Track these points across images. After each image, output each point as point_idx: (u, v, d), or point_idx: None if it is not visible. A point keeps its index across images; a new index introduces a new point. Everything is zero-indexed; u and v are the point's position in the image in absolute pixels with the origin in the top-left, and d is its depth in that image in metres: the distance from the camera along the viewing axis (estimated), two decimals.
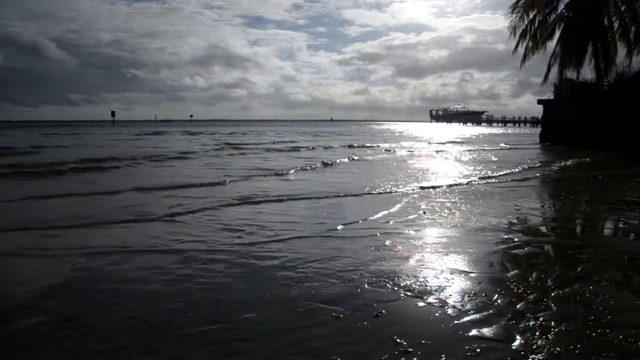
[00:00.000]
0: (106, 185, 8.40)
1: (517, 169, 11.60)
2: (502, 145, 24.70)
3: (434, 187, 8.25)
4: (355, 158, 15.11)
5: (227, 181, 8.88)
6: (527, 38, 25.68)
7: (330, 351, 2.35)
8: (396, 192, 7.70)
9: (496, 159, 15.40)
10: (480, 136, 40.81)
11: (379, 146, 22.64)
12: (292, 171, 10.93)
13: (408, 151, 19.47)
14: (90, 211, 5.89)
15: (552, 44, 25.36)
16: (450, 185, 8.47)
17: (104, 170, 11.08)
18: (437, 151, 19.54)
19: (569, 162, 13.62)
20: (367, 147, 22.23)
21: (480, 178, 9.69)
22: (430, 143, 26.95)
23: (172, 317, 2.76)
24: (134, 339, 2.49)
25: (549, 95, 26.89)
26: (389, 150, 19.82)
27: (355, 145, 23.21)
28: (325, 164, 12.68)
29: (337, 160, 13.81)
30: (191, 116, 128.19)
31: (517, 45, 25.92)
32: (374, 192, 7.74)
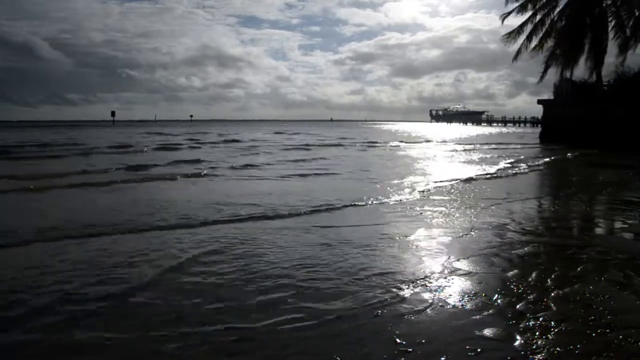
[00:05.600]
0: None
1: None
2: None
3: None
4: None
5: None
6: (524, 37, 25.75)
7: (331, 351, 2.35)
8: None
9: None
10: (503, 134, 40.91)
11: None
12: None
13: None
14: None
15: (549, 43, 25.41)
16: None
17: None
18: None
19: None
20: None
21: None
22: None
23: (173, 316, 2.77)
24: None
25: (548, 95, 26.98)
26: None
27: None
28: None
29: None
30: (191, 116, 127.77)
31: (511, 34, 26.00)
32: None
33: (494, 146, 23.31)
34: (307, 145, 22.50)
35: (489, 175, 10.33)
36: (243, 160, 13.99)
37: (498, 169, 11.69)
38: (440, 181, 9.05)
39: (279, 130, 49.69)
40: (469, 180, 9.44)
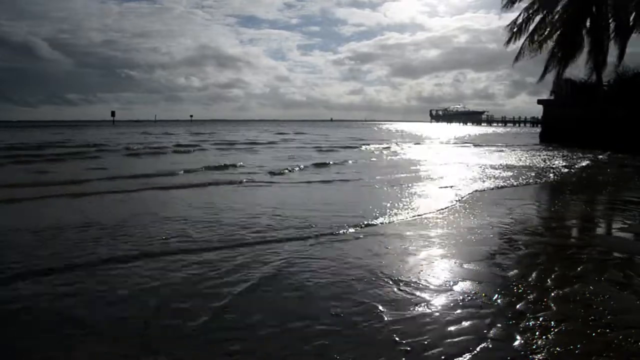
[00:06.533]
0: None
1: None
2: None
3: None
4: None
5: None
6: (525, 36, 25.76)
7: (331, 351, 2.35)
8: None
9: None
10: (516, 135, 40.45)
11: None
12: None
13: None
14: None
15: (549, 43, 25.41)
16: None
17: None
18: None
19: None
20: None
21: None
22: None
23: (173, 316, 2.77)
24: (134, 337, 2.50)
25: (548, 95, 26.97)
26: None
27: None
28: None
29: None
30: (191, 116, 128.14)
31: (509, 40, 25.98)
32: None
33: (511, 146, 22.72)
34: (330, 147, 21.48)
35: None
36: (274, 164, 12.93)
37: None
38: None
39: (282, 130, 47.58)
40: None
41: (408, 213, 5.85)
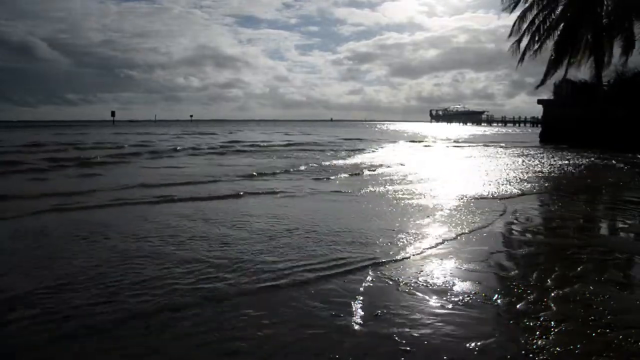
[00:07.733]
0: None
1: None
2: None
3: None
4: None
5: None
6: (527, 38, 25.77)
7: (330, 351, 2.35)
8: None
9: None
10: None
11: None
12: None
13: None
14: None
15: (550, 44, 25.44)
16: None
17: None
18: None
19: None
20: None
21: None
22: None
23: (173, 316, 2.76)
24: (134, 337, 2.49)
25: (547, 95, 26.99)
26: None
27: None
28: None
29: None
30: (191, 116, 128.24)
31: (518, 41, 25.99)
32: None
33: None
34: (353, 149, 20.28)
35: None
36: (316, 169, 11.86)
37: None
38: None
39: (287, 131, 45.02)
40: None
41: (475, 224, 5.31)
